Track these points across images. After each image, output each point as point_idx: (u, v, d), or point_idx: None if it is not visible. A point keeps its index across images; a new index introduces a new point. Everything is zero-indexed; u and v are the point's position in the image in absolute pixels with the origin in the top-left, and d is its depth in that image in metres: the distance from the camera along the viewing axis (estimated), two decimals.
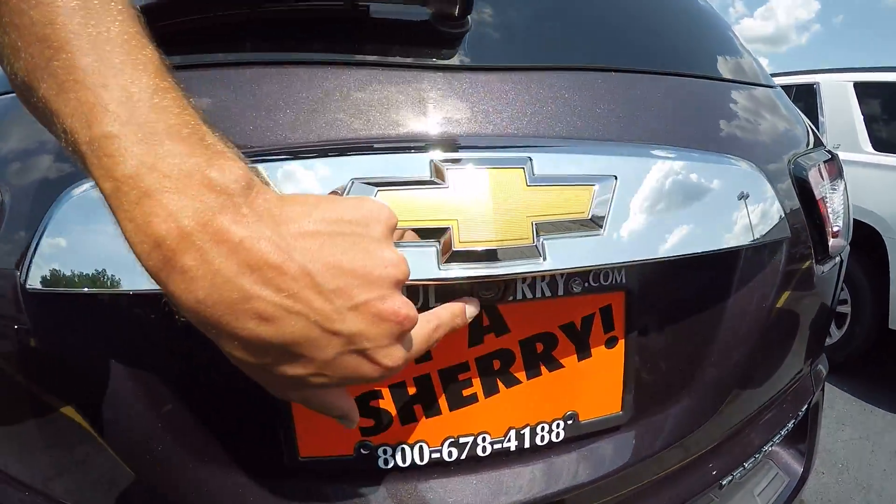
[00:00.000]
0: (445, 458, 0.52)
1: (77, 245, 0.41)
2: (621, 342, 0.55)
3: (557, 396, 0.54)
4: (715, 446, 0.73)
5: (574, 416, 0.55)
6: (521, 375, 0.52)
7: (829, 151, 0.80)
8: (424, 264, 0.40)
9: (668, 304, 0.59)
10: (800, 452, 0.92)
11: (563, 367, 0.53)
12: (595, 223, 0.45)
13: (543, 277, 0.50)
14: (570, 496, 0.57)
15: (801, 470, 0.91)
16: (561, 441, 0.55)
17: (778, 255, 0.65)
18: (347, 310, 0.24)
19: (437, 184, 0.42)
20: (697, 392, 0.63)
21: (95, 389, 0.47)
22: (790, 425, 0.83)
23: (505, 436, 0.53)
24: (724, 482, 0.74)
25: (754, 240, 0.56)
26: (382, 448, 0.51)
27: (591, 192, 0.45)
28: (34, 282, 0.41)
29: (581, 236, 0.44)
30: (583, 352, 0.54)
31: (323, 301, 0.24)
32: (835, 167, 0.78)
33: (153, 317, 0.46)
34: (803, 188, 0.69)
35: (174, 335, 0.47)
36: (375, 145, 0.45)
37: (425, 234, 0.41)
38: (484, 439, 0.52)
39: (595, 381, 0.55)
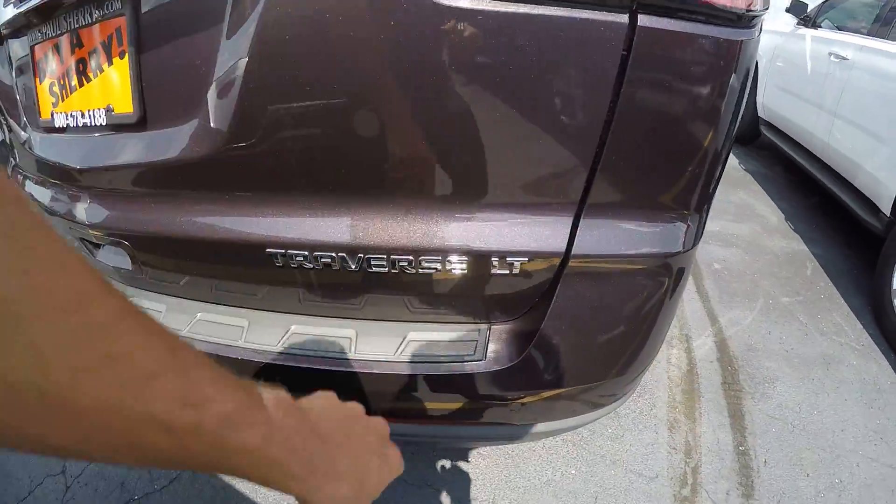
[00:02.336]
0: (71, 124, 0.93)
1: None
2: (127, 55, 0.81)
3: (105, 92, 0.86)
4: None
5: (111, 108, 0.86)
6: (91, 76, 0.87)
7: None
8: None
9: (171, 26, 0.77)
10: (521, 345, 0.71)
11: (103, 71, 0.85)
12: None
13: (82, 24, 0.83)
14: (120, 171, 0.88)
15: (506, 365, 0.71)
16: (105, 126, 0.87)
17: None
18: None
19: None
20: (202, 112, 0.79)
21: None
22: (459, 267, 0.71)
23: (84, 114, 0.90)
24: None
25: None
26: (52, 113, 0.96)
27: None
28: None
29: None
30: (109, 62, 0.84)
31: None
32: None
33: None
34: None
35: None
36: None
37: None
38: (81, 115, 0.91)
39: (122, 85, 0.84)
